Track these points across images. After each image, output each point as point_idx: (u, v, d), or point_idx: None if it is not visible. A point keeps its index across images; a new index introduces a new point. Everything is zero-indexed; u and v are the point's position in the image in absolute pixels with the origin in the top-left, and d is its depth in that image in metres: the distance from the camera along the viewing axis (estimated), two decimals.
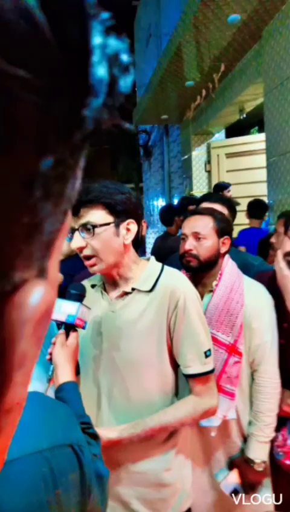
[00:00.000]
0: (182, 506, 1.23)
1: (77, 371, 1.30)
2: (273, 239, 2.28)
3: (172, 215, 3.59)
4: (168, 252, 2.42)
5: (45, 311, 0.19)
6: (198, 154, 5.36)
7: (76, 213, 1.12)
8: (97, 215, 1.12)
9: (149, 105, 5.13)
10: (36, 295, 0.18)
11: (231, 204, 2.02)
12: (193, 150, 5.36)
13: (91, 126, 0.16)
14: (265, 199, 3.51)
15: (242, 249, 3.28)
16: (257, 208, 3.66)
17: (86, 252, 1.14)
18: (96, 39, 0.16)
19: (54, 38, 0.14)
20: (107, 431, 1.14)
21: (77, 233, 1.13)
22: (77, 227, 1.13)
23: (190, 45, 3.51)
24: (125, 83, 0.17)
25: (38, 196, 0.15)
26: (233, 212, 2.01)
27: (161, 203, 6.98)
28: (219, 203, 1.91)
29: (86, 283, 1.31)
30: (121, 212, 1.14)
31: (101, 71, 0.16)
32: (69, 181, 0.17)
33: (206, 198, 2.10)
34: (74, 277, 1.77)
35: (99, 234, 1.12)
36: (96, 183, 1.14)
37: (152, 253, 4.04)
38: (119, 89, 0.17)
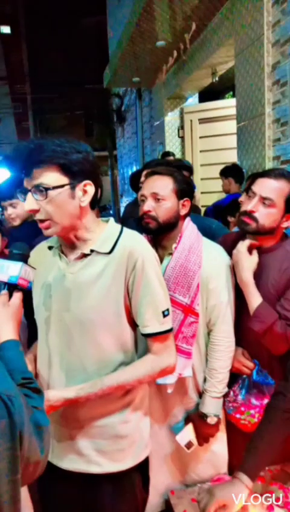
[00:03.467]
0: (140, 456, 1.27)
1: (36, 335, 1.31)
2: (242, 198, 2.28)
3: None
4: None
5: None
6: (171, 119, 5.25)
7: (28, 174, 1.07)
8: (51, 177, 1.06)
9: (119, 65, 4.95)
10: None
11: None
12: (165, 115, 5.24)
13: None
14: None
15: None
16: (239, 173, 3.45)
17: (40, 215, 1.10)
18: None
19: None
20: (65, 391, 1.15)
21: (29, 195, 1.08)
22: (30, 188, 1.08)
23: (160, 1, 3.36)
24: None
25: None
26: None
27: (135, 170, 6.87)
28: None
29: (44, 245, 1.29)
30: (77, 173, 1.09)
31: None
32: None
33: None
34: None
35: (53, 197, 1.07)
36: (50, 140, 1.08)
37: (122, 219, 4.00)
38: None
